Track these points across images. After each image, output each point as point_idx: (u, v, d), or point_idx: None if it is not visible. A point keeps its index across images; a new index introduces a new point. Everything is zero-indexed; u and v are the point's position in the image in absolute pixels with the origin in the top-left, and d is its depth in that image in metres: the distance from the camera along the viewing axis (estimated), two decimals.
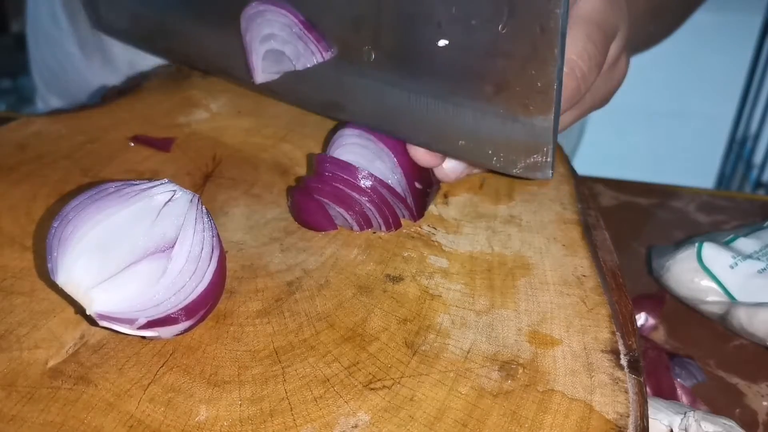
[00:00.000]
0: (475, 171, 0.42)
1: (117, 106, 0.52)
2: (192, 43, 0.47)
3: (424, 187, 0.39)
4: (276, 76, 0.42)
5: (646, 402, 0.29)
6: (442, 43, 0.33)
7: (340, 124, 0.40)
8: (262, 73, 0.42)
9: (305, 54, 0.40)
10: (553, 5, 0.29)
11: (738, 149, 1.68)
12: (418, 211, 0.39)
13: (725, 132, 1.68)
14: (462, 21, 0.32)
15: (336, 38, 0.38)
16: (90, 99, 0.67)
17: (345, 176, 0.37)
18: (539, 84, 0.31)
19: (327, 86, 0.40)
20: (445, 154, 0.37)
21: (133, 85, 0.56)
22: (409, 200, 0.38)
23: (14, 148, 0.46)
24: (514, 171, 0.35)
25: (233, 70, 0.45)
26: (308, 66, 0.40)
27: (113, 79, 0.66)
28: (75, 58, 0.69)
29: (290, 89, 0.43)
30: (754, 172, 1.63)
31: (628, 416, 0.28)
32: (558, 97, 0.32)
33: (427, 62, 0.35)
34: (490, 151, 0.35)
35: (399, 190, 0.38)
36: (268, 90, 0.44)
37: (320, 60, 0.39)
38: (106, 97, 0.54)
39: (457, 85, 0.34)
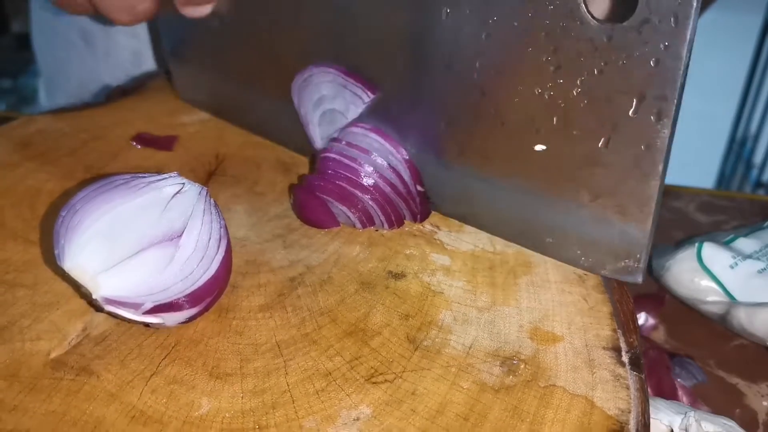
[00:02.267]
0: None
1: (121, 105, 0.52)
2: (258, 116, 0.47)
3: (427, 190, 0.39)
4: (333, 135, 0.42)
5: (648, 398, 0.29)
6: (539, 148, 0.33)
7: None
8: (320, 140, 0.42)
9: (353, 101, 0.40)
10: (661, 126, 0.29)
11: (738, 149, 1.68)
12: (422, 214, 0.39)
13: (725, 132, 1.68)
14: (563, 131, 0.32)
15: (427, 133, 0.38)
16: (94, 97, 0.67)
17: (348, 174, 0.37)
18: (639, 196, 0.31)
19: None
20: (532, 250, 0.37)
21: (137, 85, 0.56)
22: (414, 202, 0.38)
23: (18, 146, 0.46)
24: (602, 272, 0.35)
25: (295, 140, 0.45)
26: (356, 113, 0.40)
27: (117, 70, 0.66)
28: (79, 49, 0.69)
29: None
30: (754, 172, 1.63)
31: (629, 412, 0.28)
32: (657, 210, 0.31)
33: (522, 162, 0.34)
34: (578, 252, 0.35)
35: (408, 187, 0.38)
36: None
37: (367, 101, 0.39)
38: (110, 96, 0.54)
39: (551, 187, 0.34)
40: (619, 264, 0.34)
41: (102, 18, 0.44)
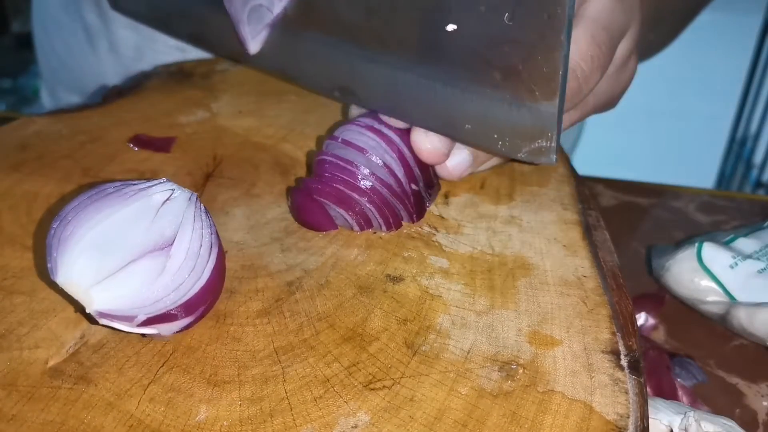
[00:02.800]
0: (480, 168, 0.42)
1: (118, 106, 0.52)
2: (198, 24, 0.47)
3: (422, 188, 0.39)
4: (262, 35, 0.42)
5: (647, 403, 0.29)
6: (450, 27, 0.34)
7: (341, 123, 0.40)
8: (252, 40, 0.42)
9: None
10: None
11: (738, 149, 1.68)
12: (417, 213, 0.39)
13: (725, 132, 1.67)
14: (471, 7, 0.32)
15: (346, 21, 0.38)
16: (91, 98, 0.67)
17: (344, 177, 0.37)
18: (545, 70, 0.32)
19: (336, 70, 0.41)
20: (452, 138, 0.38)
21: (134, 85, 0.56)
22: (410, 201, 0.38)
23: (15, 148, 0.46)
24: (519, 155, 0.35)
25: (234, 48, 0.46)
26: (280, 6, 0.40)
27: (118, 65, 0.66)
28: (81, 43, 0.69)
29: (298, 69, 0.43)
30: (754, 172, 1.63)
31: (628, 417, 0.28)
32: (563, 84, 0.32)
33: (436, 47, 0.35)
34: (495, 136, 0.35)
35: (403, 187, 0.38)
36: (273, 68, 0.44)
37: None
38: (107, 96, 0.54)
39: (464, 71, 0.35)
40: (533, 145, 0.34)
41: (104, 12, 0.44)
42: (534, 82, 0.32)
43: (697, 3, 0.61)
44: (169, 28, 0.50)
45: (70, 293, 0.29)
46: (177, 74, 0.57)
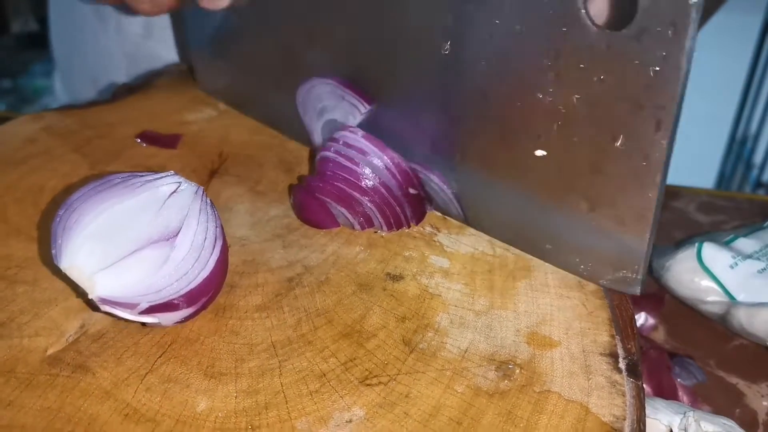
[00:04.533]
0: None
1: (126, 103, 0.52)
2: (274, 111, 0.48)
3: (422, 192, 0.39)
4: None
5: (644, 406, 0.29)
6: (539, 153, 0.33)
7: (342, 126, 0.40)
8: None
9: (351, 111, 0.40)
10: (660, 137, 0.29)
11: (738, 149, 1.67)
12: (416, 217, 0.38)
13: (725, 132, 1.66)
14: (563, 137, 0.32)
15: (429, 130, 0.38)
16: (101, 94, 0.68)
17: (346, 176, 0.37)
18: (637, 206, 0.31)
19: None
20: (532, 255, 0.37)
21: (144, 83, 0.56)
22: (408, 205, 0.38)
23: (24, 141, 0.46)
24: (601, 282, 0.34)
25: (304, 135, 0.46)
26: (354, 123, 0.40)
27: (128, 44, 0.66)
28: (92, 26, 0.69)
29: None
30: (754, 172, 1.62)
31: (624, 419, 0.28)
32: (655, 221, 0.31)
33: (524, 166, 0.34)
34: (577, 260, 0.35)
35: (403, 190, 0.38)
36: None
37: (364, 112, 0.39)
38: (117, 93, 0.55)
39: (550, 194, 0.34)
40: (618, 274, 0.34)
41: None
42: (623, 216, 0.32)
43: None
44: (247, 110, 0.51)
45: (73, 278, 0.29)
46: (186, 73, 0.58)
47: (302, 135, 0.45)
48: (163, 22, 0.63)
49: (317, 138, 0.44)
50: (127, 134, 0.48)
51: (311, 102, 0.43)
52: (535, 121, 0.33)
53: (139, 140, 0.47)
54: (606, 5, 0.30)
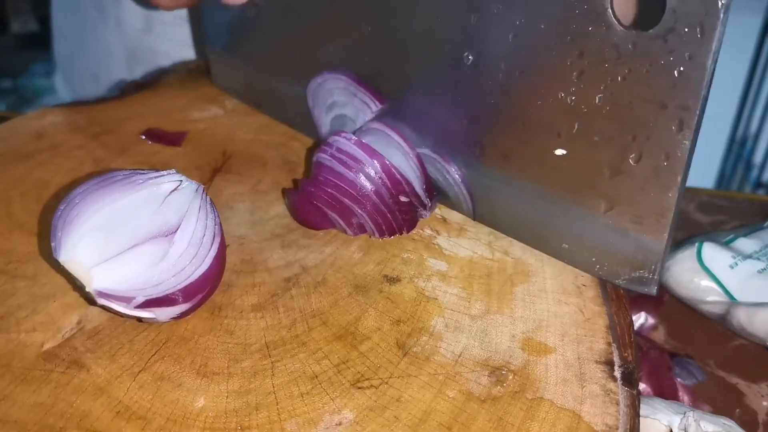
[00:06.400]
0: None
1: (134, 100, 0.53)
2: (287, 108, 0.48)
3: (414, 200, 0.38)
4: None
5: (638, 415, 0.29)
6: (560, 152, 0.33)
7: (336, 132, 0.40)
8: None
9: (362, 109, 0.40)
10: (682, 137, 0.29)
11: (738, 149, 1.66)
12: (408, 225, 0.38)
13: (725, 132, 1.65)
14: (583, 136, 0.32)
15: (445, 124, 0.38)
16: (109, 91, 0.68)
17: (338, 182, 0.36)
18: (657, 206, 0.31)
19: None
20: (547, 254, 0.37)
21: (152, 80, 0.57)
22: (400, 212, 0.38)
23: (31, 137, 0.47)
24: (617, 282, 0.34)
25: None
26: (365, 120, 0.40)
27: (127, 38, 0.67)
28: (93, 17, 0.69)
29: None
30: (754, 172, 1.61)
31: (617, 429, 0.27)
32: (674, 221, 0.31)
33: (542, 164, 0.34)
34: (593, 259, 0.35)
35: (394, 198, 0.37)
36: None
37: (375, 110, 0.39)
38: (125, 90, 0.55)
39: (568, 193, 0.34)
40: (634, 274, 0.33)
41: None
42: (643, 215, 0.32)
43: None
44: (259, 105, 0.51)
45: (71, 271, 0.29)
46: (195, 71, 0.58)
47: (312, 130, 0.46)
48: (164, 18, 0.63)
49: (325, 131, 0.44)
50: (133, 131, 0.48)
51: (322, 96, 0.43)
52: (556, 120, 0.33)
53: (144, 137, 0.47)
54: (632, 5, 0.30)
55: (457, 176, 0.38)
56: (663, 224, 0.31)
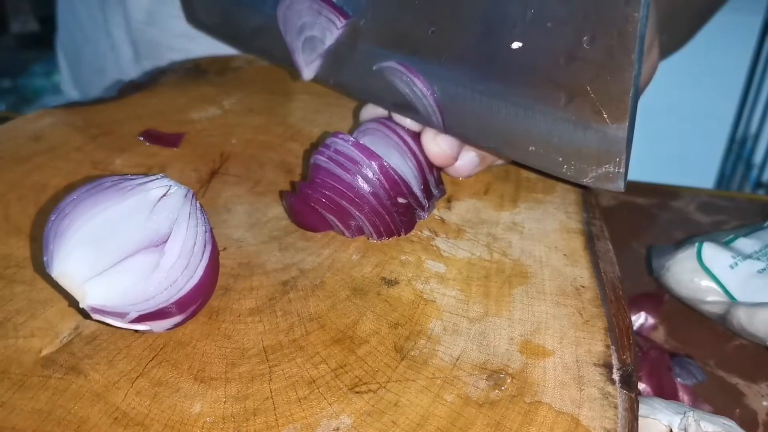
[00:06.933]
0: (488, 162, 0.42)
1: (132, 100, 0.53)
2: (265, 41, 0.48)
3: (412, 201, 0.38)
4: (317, 64, 0.43)
5: (636, 419, 0.29)
6: (516, 45, 0.33)
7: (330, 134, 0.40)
8: (306, 68, 0.43)
9: (328, 27, 0.40)
10: (631, 8, 0.28)
11: (738, 149, 1.66)
12: (406, 227, 0.38)
13: (725, 132, 1.65)
14: (537, 23, 0.32)
15: (407, 36, 0.38)
16: (107, 91, 0.68)
17: (336, 184, 0.36)
18: (614, 91, 0.30)
19: (393, 89, 0.40)
20: (516, 159, 0.37)
21: (150, 80, 0.56)
22: (397, 214, 0.37)
23: (29, 139, 0.47)
24: (585, 180, 0.34)
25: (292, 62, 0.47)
26: (332, 38, 0.40)
27: (131, 33, 0.66)
28: (97, 13, 0.69)
29: (355, 86, 0.44)
30: (754, 172, 1.61)
31: None
32: (634, 106, 0.30)
33: (499, 63, 0.34)
34: (560, 159, 0.34)
35: (392, 200, 0.37)
36: (330, 86, 0.45)
37: (341, 26, 0.39)
38: (123, 90, 0.55)
39: (528, 89, 0.34)
40: (600, 170, 0.33)
41: None
42: (602, 103, 0.31)
43: (709, 7, 0.60)
44: (239, 43, 0.51)
45: (64, 287, 0.29)
46: (192, 71, 0.58)
47: (288, 59, 0.46)
48: (167, 11, 0.62)
49: (299, 56, 0.44)
50: (131, 132, 0.48)
51: (291, 19, 0.43)
52: (509, 10, 0.32)
53: (142, 139, 0.47)
54: None
55: (424, 89, 0.38)
56: (622, 110, 0.31)
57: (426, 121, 0.40)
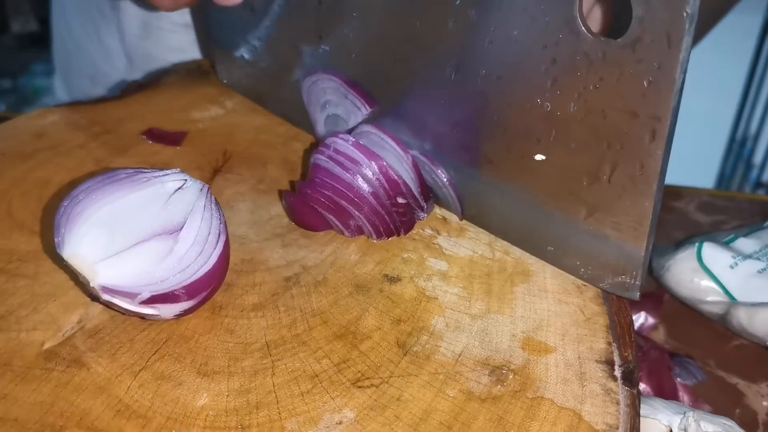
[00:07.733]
0: None
1: (135, 100, 0.53)
2: (288, 108, 0.49)
3: (411, 201, 0.38)
4: None
5: (638, 415, 0.29)
6: (539, 157, 0.33)
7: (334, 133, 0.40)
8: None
9: (353, 111, 0.41)
10: (655, 146, 0.29)
11: (738, 149, 1.66)
12: (405, 227, 0.38)
13: (725, 132, 1.66)
14: (561, 142, 0.32)
15: (431, 129, 0.38)
16: (110, 91, 0.68)
17: (336, 184, 0.36)
18: (634, 214, 0.31)
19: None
20: (533, 255, 0.37)
21: (153, 80, 0.57)
22: (397, 214, 0.38)
23: (32, 136, 0.47)
24: (601, 285, 0.34)
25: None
26: (356, 121, 0.41)
27: (125, 44, 0.67)
28: (94, 22, 0.69)
29: None
30: (754, 172, 1.61)
31: (617, 428, 0.27)
32: (652, 228, 0.31)
33: (526, 170, 0.34)
34: (578, 263, 0.35)
35: (392, 200, 0.37)
36: None
37: (366, 113, 0.40)
38: (126, 90, 0.55)
39: (550, 199, 0.34)
40: (616, 279, 0.33)
41: None
42: (621, 223, 0.32)
43: (722, 8, 0.60)
44: (261, 101, 0.52)
45: (75, 267, 0.29)
46: (195, 71, 0.58)
47: (311, 128, 0.46)
48: (161, 24, 0.63)
49: (320, 129, 0.44)
50: (134, 131, 0.48)
51: (315, 94, 0.44)
52: (535, 126, 0.33)
53: (145, 137, 0.47)
54: (600, 13, 0.30)
55: (444, 179, 0.38)
56: (641, 232, 0.31)
57: (445, 207, 0.40)
